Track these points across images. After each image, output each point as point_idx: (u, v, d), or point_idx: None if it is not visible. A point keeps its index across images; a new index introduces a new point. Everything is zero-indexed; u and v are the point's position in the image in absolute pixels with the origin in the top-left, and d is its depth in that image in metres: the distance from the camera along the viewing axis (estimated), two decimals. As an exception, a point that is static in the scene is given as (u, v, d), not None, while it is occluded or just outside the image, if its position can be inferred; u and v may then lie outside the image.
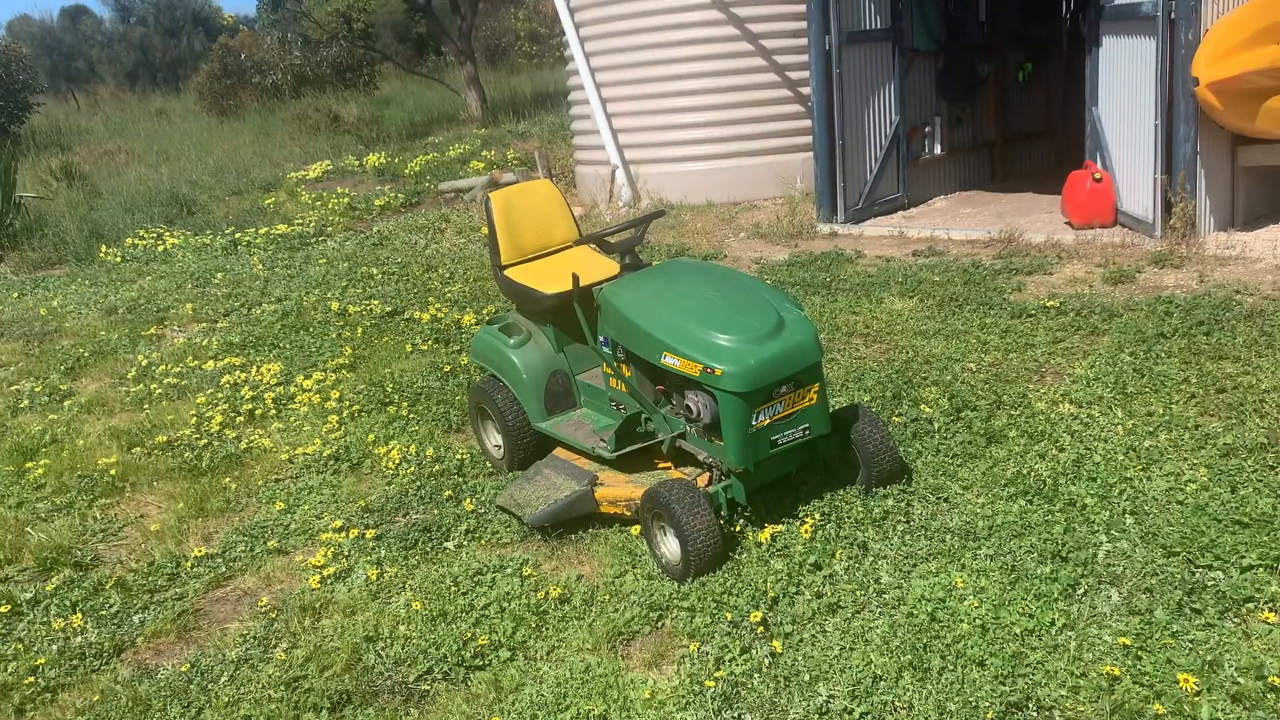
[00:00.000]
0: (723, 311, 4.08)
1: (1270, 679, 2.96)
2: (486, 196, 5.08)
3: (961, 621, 3.41)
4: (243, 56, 26.87)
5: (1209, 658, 3.09)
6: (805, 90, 11.35)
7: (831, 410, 4.30)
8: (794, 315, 4.10)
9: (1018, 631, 3.33)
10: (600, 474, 4.45)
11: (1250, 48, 7.10)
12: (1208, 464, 4.16)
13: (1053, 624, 3.35)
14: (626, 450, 4.39)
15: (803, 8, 10.66)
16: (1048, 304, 6.28)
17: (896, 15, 9.92)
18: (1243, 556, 3.52)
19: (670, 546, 3.98)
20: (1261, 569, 3.47)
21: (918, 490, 4.29)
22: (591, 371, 4.92)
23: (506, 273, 4.99)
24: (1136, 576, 3.54)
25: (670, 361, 4.02)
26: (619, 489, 4.34)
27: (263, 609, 4.09)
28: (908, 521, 4.08)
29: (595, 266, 4.85)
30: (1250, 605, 3.33)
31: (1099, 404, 4.82)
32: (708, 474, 4.22)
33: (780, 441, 4.01)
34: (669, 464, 4.43)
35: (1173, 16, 7.30)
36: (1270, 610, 3.28)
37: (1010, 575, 3.63)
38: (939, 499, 4.22)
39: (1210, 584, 3.45)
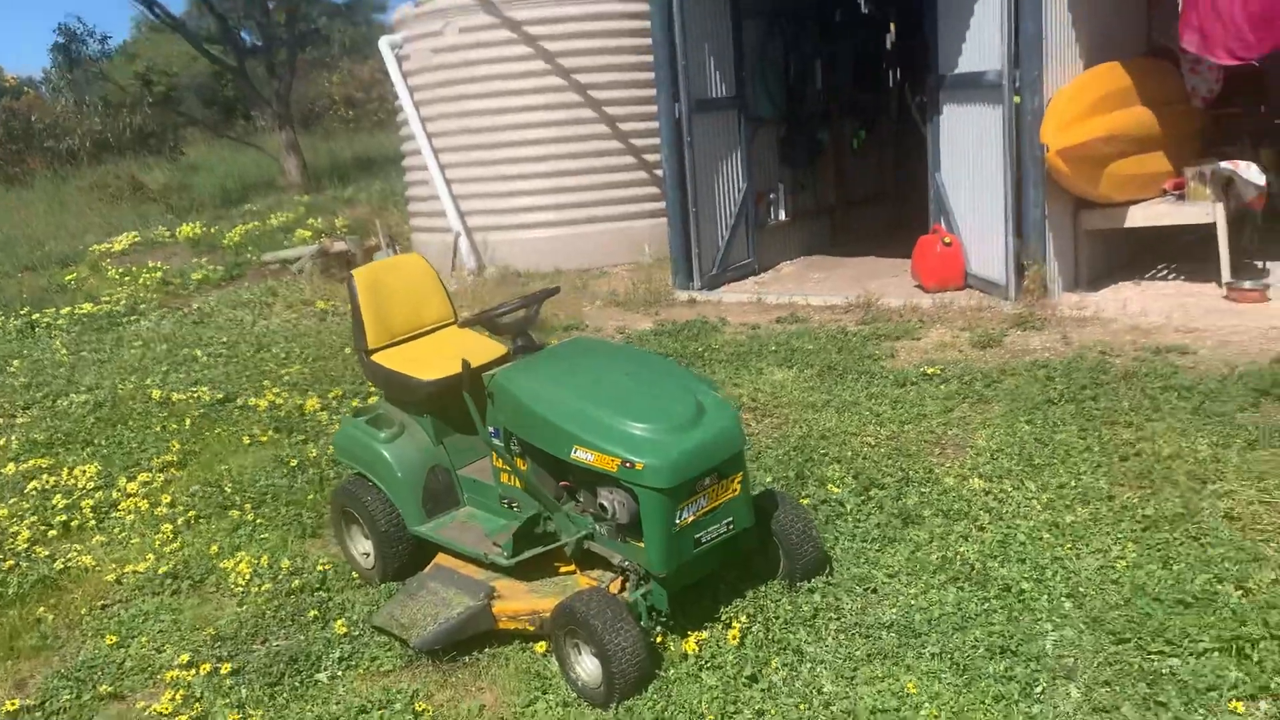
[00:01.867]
0: (637, 398, 3.70)
1: (1262, 780, 2.77)
2: (349, 275, 4.55)
3: (925, 735, 3.10)
4: (33, 119, 24.91)
5: (1192, 759, 2.89)
6: (650, 157, 11.27)
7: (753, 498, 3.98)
8: (712, 399, 3.76)
9: (987, 743, 3.05)
10: (496, 584, 3.96)
11: (1092, 115, 7.37)
12: (1133, 539, 4.04)
13: (1021, 730, 3.09)
14: (525, 556, 3.92)
15: (645, 75, 10.61)
16: (928, 371, 6.20)
17: (741, 83, 9.93)
18: (1195, 641, 3.37)
19: (588, 667, 3.52)
20: (1217, 653, 3.32)
21: (842, 581, 4.00)
22: (476, 465, 4.43)
23: (374, 357, 4.47)
24: (1092, 668, 3.33)
25: (582, 456, 3.60)
26: (520, 601, 3.85)
27: (99, 778, 3.38)
28: (839, 618, 3.77)
29: (478, 348, 4.39)
30: (1214, 694, 3.16)
31: (1009, 477, 4.69)
32: (621, 579, 3.80)
33: (704, 539, 3.63)
34: (573, 567, 3.98)
35: (1017, 85, 7.51)
36: (1236, 699, 3.12)
37: (962, 676, 3.36)
38: (866, 590, 3.94)
39: (1168, 672, 3.27)
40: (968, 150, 8.34)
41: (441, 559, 4.26)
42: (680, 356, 7.11)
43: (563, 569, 4.01)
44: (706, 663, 3.58)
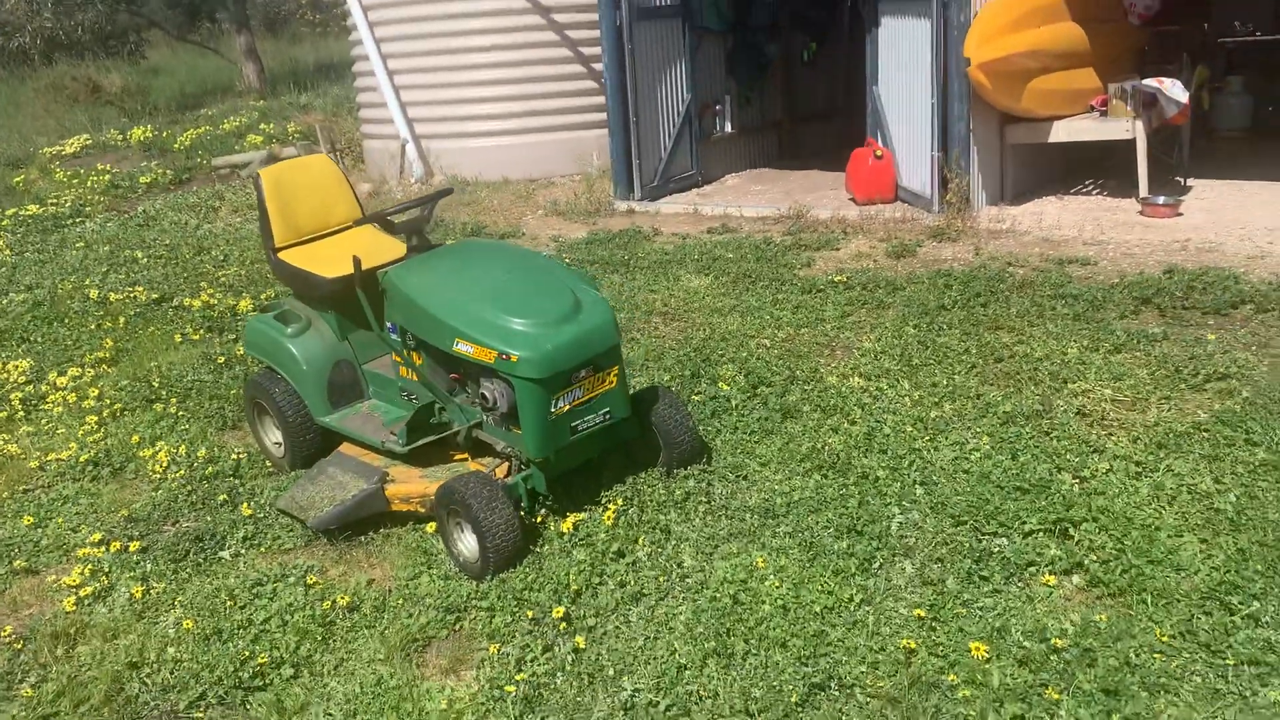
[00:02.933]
0: (517, 294, 3.90)
1: (1053, 641, 3.07)
2: (256, 174, 4.69)
3: (763, 603, 3.39)
4: (-19, 15, 24.32)
5: (997, 624, 3.18)
6: (598, 66, 11.22)
7: (634, 392, 4.22)
8: (590, 296, 3.96)
9: (818, 609, 3.34)
10: (391, 470, 4.20)
11: (1016, 30, 7.47)
12: (990, 432, 4.32)
13: (851, 600, 3.38)
14: (419, 444, 4.15)
15: (593, -19, 10.55)
16: (835, 279, 6.42)
17: (686, -9, 9.91)
18: (1024, 522, 3.66)
19: (468, 543, 3.79)
20: (1042, 533, 3.61)
21: (718, 469, 4.26)
22: (379, 360, 4.64)
23: (281, 255, 4.63)
24: (928, 547, 3.62)
25: (463, 349, 3.81)
26: (412, 485, 4.10)
27: (6, 639, 3.63)
28: (709, 502, 4.04)
29: (380, 248, 4.56)
30: (1033, 569, 3.46)
31: (887, 376, 4.94)
32: (507, 464, 4.05)
33: (581, 427, 3.87)
34: (466, 456, 4.22)
35: (945, -1, 7.59)
36: (1050, 573, 3.42)
37: (809, 552, 3.64)
38: (738, 477, 4.21)
39: (996, 551, 3.56)
40: (901, 64, 8.43)
41: (345, 447, 4.49)
42: (606, 264, 7.29)
43: (457, 457, 4.25)
44: (580, 540, 3.85)
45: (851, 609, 3.34)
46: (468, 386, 4.12)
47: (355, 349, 4.63)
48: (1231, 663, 2.95)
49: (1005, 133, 8.17)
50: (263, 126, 14.46)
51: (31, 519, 4.46)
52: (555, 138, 11.44)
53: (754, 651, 3.17)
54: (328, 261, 4.51)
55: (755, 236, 7.79)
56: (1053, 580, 3.38)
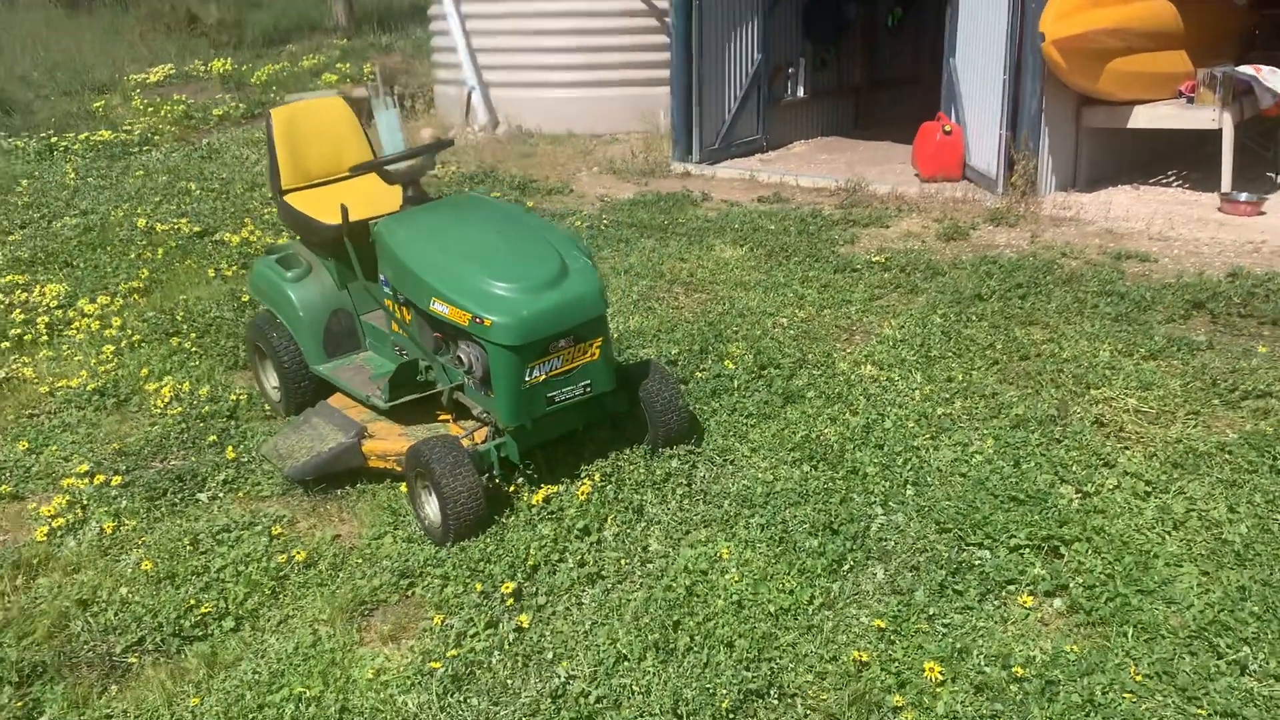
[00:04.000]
0: (501, 256, 3.76)
1: (1015, 669, 2.86)
2: (268, 111, 4.62)
3: (718, 597, 3.23)
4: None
5: (959, 644, 2.97)
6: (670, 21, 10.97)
7: (623, 365, 4.07)
8: (580, 264, 3.80)
9: (773, 610, 3.16)
10: (371, 425, 4.12)
11: (1098, 5, 7.02)
12: (996, 435, 4.06)
13: (811, 602, 3.20)
14: (400, 401, 4.07)
15: (669, -67, 10.26)
16: (874, 259, 6.14)
17: (763, -52, 9.57)
18: (1012, 535, 3.42)
19: (433, 507, 3.70)
20: (1028, 549, 3.37)
21: (705, 452, 4.09)
22: (377, 312, 4.56)
23: (287, 198, 4.57)
24: (906, 553, 3.41)
25: (439, 309, 3.70)
26: (389, 443, 4.02)
27: (-29, 565, 3.66)
28: (689, 485, 3.88)
29: (383, 197, 4.45)
30: (1012, 588, 3.23)
31: (901, 367, 4.69)
32: (485, 429, 3.94)
33: (558, 399, 3.74)
34: (449, 417, 4.12)
35: (1025, -32, 7.15)
36: (1030, 594, 3.19)
37: (778, 547, 3.46)
38: (725, 461, 4.03)
39: (976, 563, 3.34)
40: (979, 37, 8.01)
41: (334, 399, 4.44)
42: (644, 228, 7.11)
43: (441, 417, 4.16)
44: (549, 514, 3.72)
45: (810, 612, 3.16)
46: (450, 347, 4.01)
47: (355, 299, 4.56)
48: (1205, 713, 2.70)
49: (1081, 115, 7.72)
50: (339, 66, 14.51)
51: (27, 444, 4.51)
52: (623, 93, 11.23)
53: (696, 649, 3.02)
54: (332, 208, 4.41)
55: (805, 208, 7.51)
56: (1031, 602, 3.15)
